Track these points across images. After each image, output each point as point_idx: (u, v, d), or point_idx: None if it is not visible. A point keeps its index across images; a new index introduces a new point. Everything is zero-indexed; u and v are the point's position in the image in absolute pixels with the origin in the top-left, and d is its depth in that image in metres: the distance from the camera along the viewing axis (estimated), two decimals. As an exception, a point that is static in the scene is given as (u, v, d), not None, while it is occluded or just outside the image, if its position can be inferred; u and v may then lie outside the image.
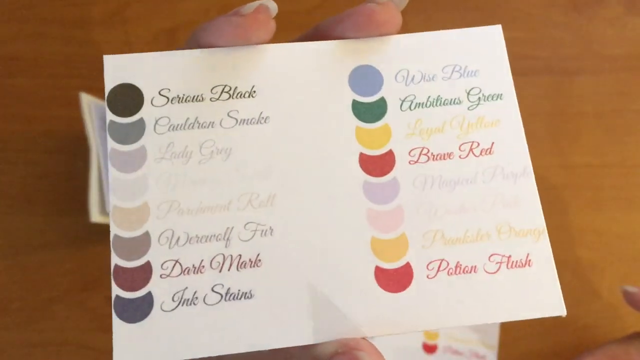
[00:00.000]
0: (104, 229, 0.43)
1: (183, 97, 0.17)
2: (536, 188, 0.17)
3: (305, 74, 0.18)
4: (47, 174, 0.46)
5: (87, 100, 0.44)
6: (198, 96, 0.18)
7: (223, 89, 0.18)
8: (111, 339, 0.48)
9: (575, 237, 0.45)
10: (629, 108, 0.48)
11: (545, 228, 0.17)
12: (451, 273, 0.17)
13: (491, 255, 0.17)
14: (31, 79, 0.48)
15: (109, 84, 0.17)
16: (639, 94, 0.48)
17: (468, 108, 0.18)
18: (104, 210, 0.41)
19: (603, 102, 0.48)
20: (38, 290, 0.44)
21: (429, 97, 0.18)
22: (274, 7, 0.17)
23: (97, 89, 0.46)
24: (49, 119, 0.47)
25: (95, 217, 0.41)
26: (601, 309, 0.44)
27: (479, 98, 0.18)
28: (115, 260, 0.17)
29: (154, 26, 0.50)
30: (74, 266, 0.44)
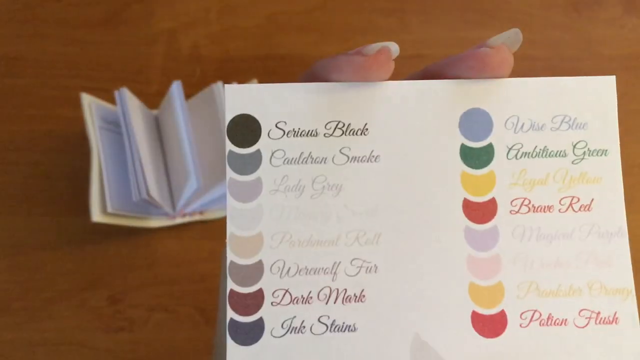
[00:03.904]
0: (105, 228, 0.43)
1: (298, 131, 0.18)
2: (629, 249, 0.18)
3: (417, 113, 0.18)
4: (47, 174, 0.46)
5: (87, 101, 0.44)
6: (313, 131, 0.18)
7: (337, 125, 0.18)
8: (111, 338, 0.48)
9: (575, 237, 0.45)
10: (629, 108, 0.48)
11: (634, 289, 0.18)
12: (543, 324, 0.17)
13: (581, 310, 0.17)
14: (31, 79, 0.48)
15: (230, 114, 0.18)
16: (639, 94, 0.48)
17: (572, 162, 0.18)
18: (104, 210, 0.41)
19: (603, 102, 0.48)
20: (38, 290, 0.44)
21: (536, 147, 0.18)
22: (396, 50, 0.18)
23: (97, 89, 0.47)
24: (49, 119, 0.47)
25: (96, 216, 0.41)
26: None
27: (584, 152, 0.18)
28: (230, 285, 0.17)
29: (154, 26, 0.50)
30: (74, 266, 0.44)
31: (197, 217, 0.45)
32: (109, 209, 0.41)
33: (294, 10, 0.50)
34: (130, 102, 0.42)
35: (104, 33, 0.50)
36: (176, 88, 0.43)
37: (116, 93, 0.42)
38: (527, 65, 0.48)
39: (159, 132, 0.46)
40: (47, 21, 0.50)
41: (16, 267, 0.44)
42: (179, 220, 0.44)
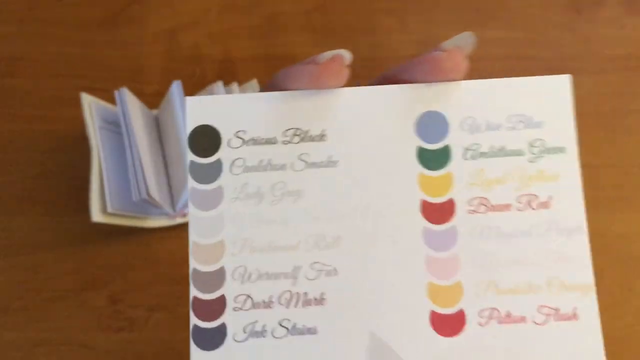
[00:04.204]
0: (105, 228, 0.43)
1: (257, 139, 0.18)
2: (588, 245, 0.18)
3: (373, 118, 0.18)
4: (47, 174, 0.46)
5: (87, 101, 0.44)
6: (271, 139, 0.18)
7: (295, 132, 0.18)
8: (111, 338, 0.48)
9: (575, 237, 0.45)
10: (629, 108, 0.48)
11: (594, 284, 0.18)
12: (502, 322, 0.17)
13: (540, 306, 0.18)
14: (32, 79, 0.48)
15: (191, 125, 0.18)
16: (638, 94, 0.48)
17: (529, 160, 0.18)
18: (104, 210, 0.41)
19: (603, 102, 0.48)
20: (38, 290, 0.44)
21: (493, 146, 0.18)
22: (348, 57, 0.18)
23: (97, 89, 0.47)
24: (49, 119, 0.47)
25: (96, 216, 0.41)
26: (601, 309, 0.44)
27: (541, 150, 0.18)
28: (194, 292, 0.18)
29: (154, 26, 0.50)
30: (74, 266, 0.44)
31: (197, 217, 0.45)
32: (109, 209, 0.41)
33: (294, 10, 0.50)
34: (130, 102, 0.42)
35: (104, 33, 0.50)
36: (176, 88, 0.43)
37: (116, 93, 0.42)
38: (527, 65, 0.48)
39: (159, 132, 0.46)
40: (47, 21, 0.50)
41: (16, 267, 0.44)
42: (179, 220, 0.44)
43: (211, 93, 0.44)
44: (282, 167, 0.18)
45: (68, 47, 0.49)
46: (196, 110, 0.18)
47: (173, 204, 0.44)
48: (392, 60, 0.48)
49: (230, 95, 0.18)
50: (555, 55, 0.49)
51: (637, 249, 0.45)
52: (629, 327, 0.43)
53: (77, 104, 0.43)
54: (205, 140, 0.18)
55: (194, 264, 0.18)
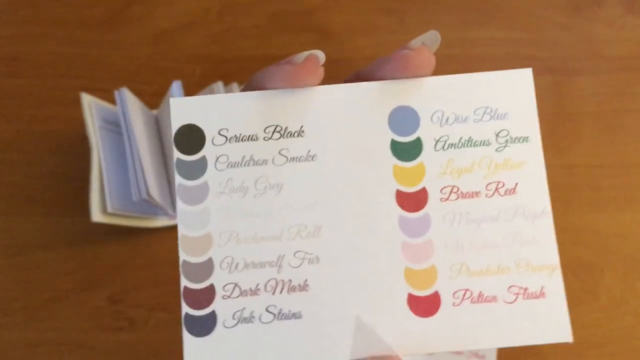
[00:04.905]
0: (105, 228, 0.43)
1: (240, 137, 0.19)
2: (553, 228, 0.19)
3: (349, 114, 0.19)
4: (47, 174, 0.46)
5: (87, 100, 0.44)
6: (253, 135, 0.19)
7: (275, 129, 0.19)
8: (111, 338, 0.48)
9: (575, 237, 0.45)
10: (628, 108, 0.48)
11: (559, 264, 0.19)
12: (474, 301, 0.19)
13: (510, 286, 0.19)
14: (31, 79, 0.48)
15: (176, 125, 0.19)
16: (638, 94, 0.48)
17: (496, 150, 0.19)
18: (104, 210, 0.41)
19: (603, 102, 0.48)
20: (39, 290, 0.44)
21: (461, 138, 0.19)
22: (322, 57, 0.19)
23: (97, 89, 0.47)
24: (49, 119, 0.47)
25: (97, 216, 0.41)
26: (601, 309, 0.44)
27: (507, 140, 0.19)
28: (184, 282, 0.19)
29: (154, 26, 0.50)
30: (74, 266, 0.44)
31: (197, 217, 0.45)
32: (109, 209, 0.41)
33: (294, 10, 0.50)
34: (130, 102, 0.42)
35: (104, 33, 0.50)
36: (176, 88, 0.43)
37: (116, 93, 0.42)
38: (527, 65, 0.48)
39: (159, 132, 0.46)
40: (47, 21, 0.50)
41: (16, 267, 0.44)
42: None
43: (211, 93, 0.44)
44: (264, 162, 0.19)
45: (68, 47, 0.49)
46: (180, 110, 0.19)
47: (173, 204, 0.44)
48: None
49: (212, 95, 0.19)
50: (555, 55, 0.49)
51: (637, 249, 0.45)
52: (629, 327, 0.43)
53: (77, 104, 0.43)
54: (190, 138, 0.19)
55: (183, 255, 0.19)
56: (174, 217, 0.44)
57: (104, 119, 0.44)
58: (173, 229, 0.45)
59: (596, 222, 0.45)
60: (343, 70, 0.50)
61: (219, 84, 0.44)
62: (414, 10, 0.50)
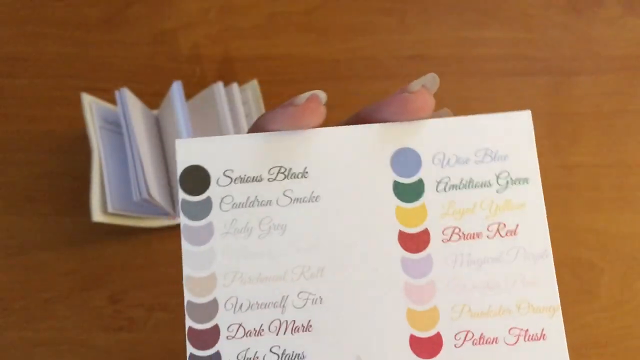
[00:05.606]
0: (105, 228, 0.43)
1: (244, 178, 0.20)
2: (554, 269, 0.19)
3: (351, 155, 0.20)
4: (47, 174, 0.46)
5: (88, 100, 0.44)
6: (257, 176, 0.20)
7: (279, 170, 0.20)
8: (111, 338, 0.48)
9: (575, 237, 0.45)
10: (628, 108, 0.48)
11: (560, 305, 0.19)
12: (476, 343, 0.19)
13: (511, 328, 0.19)
14: (31, 79, 0.48)
15: (181, 166, 0.20)
16: (638, 94, 0.48)
17: (497, 191, 0.20)
18: (105, 210, 0.42)
19: (603, 102, 0.48)
20: (38, 290, 0.44)
21: (462, 179, 0.20)
22: (324, 97, 0.20)
23: (97, 89, 0.47)
24: (49, 119, 0.47)
25: (97, 216, 0.41)
26: (600, 309, 0.44)
27: (507, 182, 0.20)
28: (189, 323, 0.19)
29: (154, 26, 0.50)
30: (74, 266, 0.44)
31: (197, 217, 0.45)
32: (110, 209, 0.41)
33: (294, 10, 0.50)
34: (130, 102, 0.42)
35: (104, 33, 0.50)
36: (176, 88, 0.43)
37: (116, 93, 0.42)
38: (527, 65, 0.48)
39: (159, 132, 0.46)
40: (47, 21, 0.50)
41: (16, 267, 0.44)
42: (179, 220, 0.44)
43: (211, 93, 0.44)
44: (269, 202, 0.19)
45: (68, 47, 0.49)
46: (186, 151, 0.20)
47: (173, 204, 0.44)
48: (392, 60, 0.48)
49: (218, 137, 0.20)
50: (555, 55, 0.49)
51: (637, 249, 0.45)
52: (629, 327, 0.43)
53: (77, 104, 0.43)
54: (196, 179, 0.20)
55: (188, 296, 0.19)
56: (174, 217, 0.44)
57: (104, 119, 0.44)
58: (173, 229, 0.45)
59: (596, 222, 0.45)
60: (343, 70, 0.50)
61: (219, 84, 0.44)
62: (414, 10, 0.50)
